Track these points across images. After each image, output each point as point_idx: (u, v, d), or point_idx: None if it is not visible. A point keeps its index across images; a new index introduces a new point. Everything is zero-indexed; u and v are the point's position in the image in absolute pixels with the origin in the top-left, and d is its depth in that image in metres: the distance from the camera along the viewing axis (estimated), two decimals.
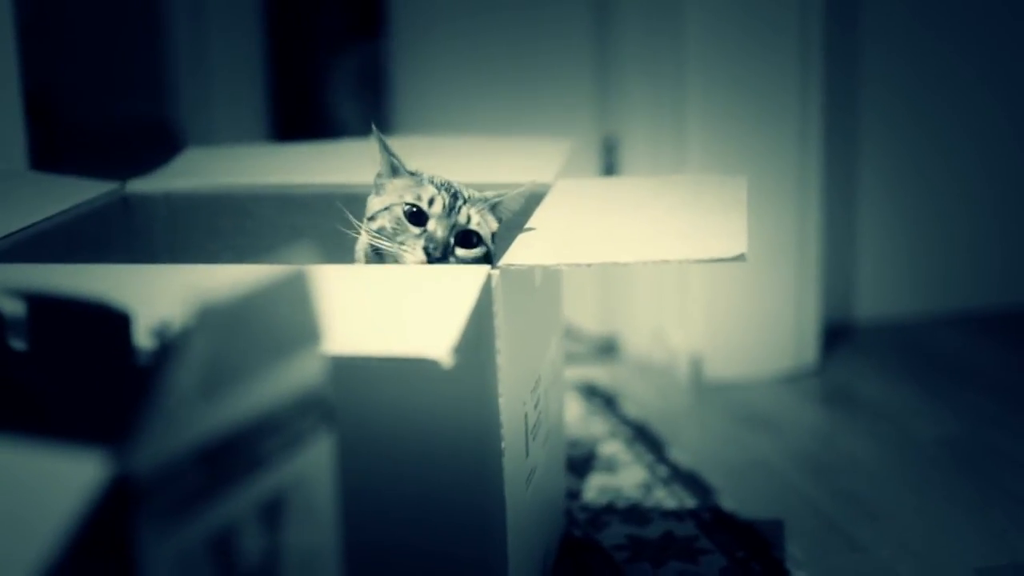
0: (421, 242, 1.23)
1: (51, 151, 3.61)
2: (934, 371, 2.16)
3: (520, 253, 1.14)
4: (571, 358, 2.18)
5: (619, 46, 2.23)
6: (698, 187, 1.45)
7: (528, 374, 1.25)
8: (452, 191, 1.26)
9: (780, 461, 1.81)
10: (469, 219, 1.25)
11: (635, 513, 1.63)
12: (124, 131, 4.46)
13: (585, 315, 2.33)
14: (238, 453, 0.72)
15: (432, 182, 1.27)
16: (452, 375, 0.96)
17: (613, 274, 2.29)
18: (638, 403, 2.03)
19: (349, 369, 0.91)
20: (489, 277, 1.08)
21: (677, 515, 1.62)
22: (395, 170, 1.30)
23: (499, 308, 1.10)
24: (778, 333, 2.17)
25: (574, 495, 1.68)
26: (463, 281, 1.04)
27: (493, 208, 1.29)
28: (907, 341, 2.31)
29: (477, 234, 1.25)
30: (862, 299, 2.40)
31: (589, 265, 1.11)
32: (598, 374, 2.16)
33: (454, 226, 1.24)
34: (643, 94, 2.19)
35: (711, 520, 1.61)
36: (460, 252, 1.24)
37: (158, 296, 1.04)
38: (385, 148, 1.31)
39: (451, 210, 1.24)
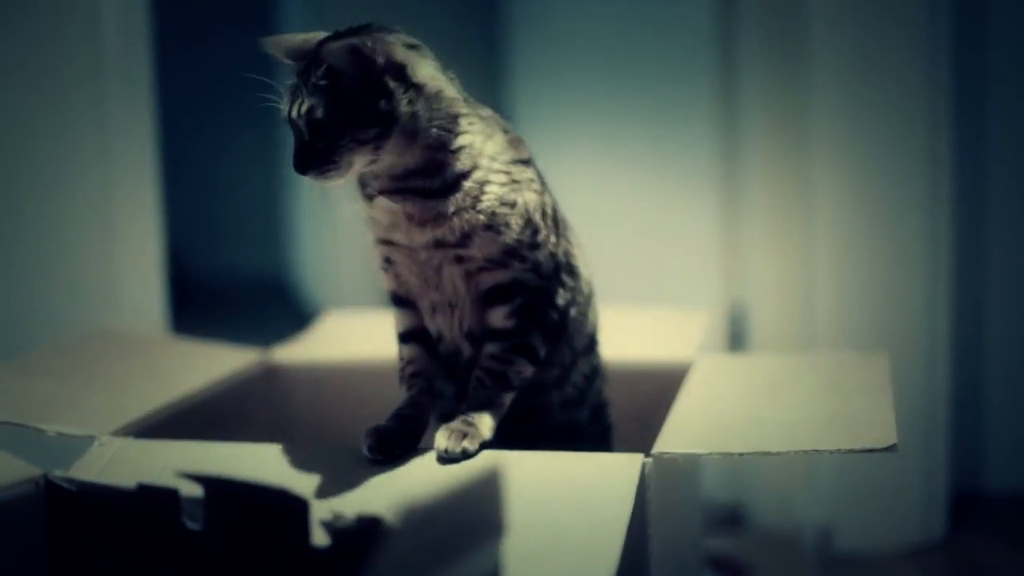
0: None
1: (183, 310, 3.71)
2: None
3: (671, 440, 1.14)
4: None
5: (746, 207, 2.25)
6: (838, 366, 1.43)
7: (676, 554, 1.25)
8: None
9: None
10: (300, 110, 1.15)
11: None
12: (252, 288, 4.58)
13: (711, 482, 2.31)
14: None
15: None
16: None
17: None
18: None
19: None
20: (643, 465, 1.09)
21: None
22: None
23: (652, 495, 1.10)
24: (906, 504, 2.14)
25: None
26: (619, 475, 1.05)
27: None
28: None
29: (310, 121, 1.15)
30: (991, 469, 2.36)
31: (741, 455, 1.11)
32: (724, 544, 2.14)
33: (295, 119, 1.16)
34: (771, 259, 2.20)
35: None
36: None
37: (328, 482, 1.05)
38: None
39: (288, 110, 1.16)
